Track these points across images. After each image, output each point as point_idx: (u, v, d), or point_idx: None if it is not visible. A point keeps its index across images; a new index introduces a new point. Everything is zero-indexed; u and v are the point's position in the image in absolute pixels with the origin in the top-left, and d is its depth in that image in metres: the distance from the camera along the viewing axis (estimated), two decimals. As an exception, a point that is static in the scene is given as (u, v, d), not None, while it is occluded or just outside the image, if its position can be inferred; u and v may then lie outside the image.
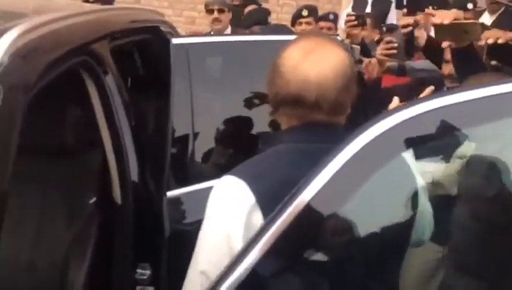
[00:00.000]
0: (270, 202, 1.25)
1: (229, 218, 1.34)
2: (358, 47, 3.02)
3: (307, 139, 1.38)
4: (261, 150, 1.46)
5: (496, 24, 2.93)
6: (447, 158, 2.15)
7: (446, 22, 2.18)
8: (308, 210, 1.19)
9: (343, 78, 1.37)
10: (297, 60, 1.37)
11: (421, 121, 1.26)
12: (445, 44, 2.32)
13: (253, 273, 1.18)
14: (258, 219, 1.31)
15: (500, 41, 2.25)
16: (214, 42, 2.39)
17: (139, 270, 1.97)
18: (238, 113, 2.34)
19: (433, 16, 2.30)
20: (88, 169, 2.00)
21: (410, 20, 2.75)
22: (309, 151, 1.32)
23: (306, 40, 1.43)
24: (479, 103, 1.27)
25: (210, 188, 2.14)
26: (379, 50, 2.84)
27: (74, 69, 1.73)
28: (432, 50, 2.78)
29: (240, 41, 2.47)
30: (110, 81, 1.85)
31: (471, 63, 2.26)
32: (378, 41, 3.16)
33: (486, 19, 4.02)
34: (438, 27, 2.22)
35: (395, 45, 2.77)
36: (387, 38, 2.84)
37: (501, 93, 1.24)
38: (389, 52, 2.80)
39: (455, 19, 2.23)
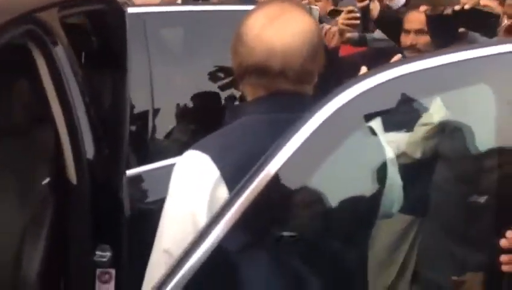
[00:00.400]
0: (235, 175, 1.21)
1: (192, 194, 1.28)
2: (317, 7, 2.94)
3: (273, 109, 1.33)
4: (227, 123, 1.39)
5: None
6: (410, 127, 2.15)
7: None
8: (274, 182, 1.14)
9: (310, 46, 1.32)
10: (261, 27, 1.31)
11: (384, 90, 1.22)
12: (422, 8, 2.32)
13: (219, 250, 1.14)
14: (223, 194, 1.26)
15: (466, 6, 2.22)
16: (174, 12, 2.28)
17: (98, 253, 1.88)
18: (200, 86, 2.26)
19: None
20: (40, 148, 1.89)
21: None
22: (276, 121, 1.27)
23: (270, 6, 1.36)
24: (439, 70, 1.23)
25: (172, 166, 2.06)
26: (341, 20, 2.79)
27: (20, 40, 1.61)
28: (386, 22, 2.77)
29: (202, 11, 2.36)
30: (60, 52, 1.74)
31: (447, 30, 2.23)
32: (330, 13, 3.10)
33: None
34: None
35: (357, 15, 2.72)
36: (350, 7, 2.78)
37: (461, 61, 1.20)
38: (351, 22, 2.75)
39: None
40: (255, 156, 1.17)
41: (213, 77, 2.26)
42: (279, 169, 1.15)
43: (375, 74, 1.22)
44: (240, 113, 1.38)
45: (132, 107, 2.09)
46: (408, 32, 2.63)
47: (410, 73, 1.23)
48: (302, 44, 1.30)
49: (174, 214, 1.31)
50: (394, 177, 1.40)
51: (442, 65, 1.22)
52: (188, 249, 1.14)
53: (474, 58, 1.22)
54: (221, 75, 2.23)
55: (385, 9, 2.84)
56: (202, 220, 1.25)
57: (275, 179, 1.14)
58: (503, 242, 1.18)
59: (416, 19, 2.53)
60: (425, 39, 2.53)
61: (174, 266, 1.12)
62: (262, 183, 1.13)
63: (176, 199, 1.31)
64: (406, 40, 2.66)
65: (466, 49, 1.23)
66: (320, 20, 3.12)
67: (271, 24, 1.30)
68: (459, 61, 1.21)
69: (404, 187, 1.42)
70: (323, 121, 1.17)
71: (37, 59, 1.70)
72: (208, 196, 1.26)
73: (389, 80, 1.22)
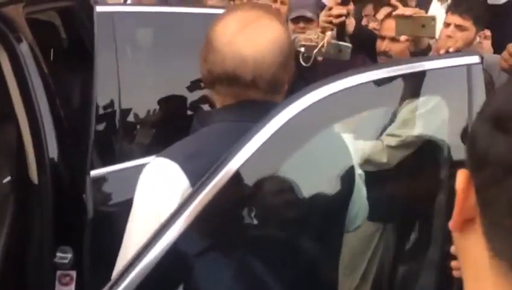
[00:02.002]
0: None
1: (161, 204, 1.24)
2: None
3: (242, 117, 1.29)
4: (195, 129, 1.37)
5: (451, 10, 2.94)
6: (376, 135, 2.17)
7: (407, 13, 2.23)
8: (232, 184, 1.12)
9: (281, 55, 1.28)
10: (232, 34, 1.27)
11: (348, 95, 1.22)
12: (403, 38, 2.35)
13: (173, 251, 1.10)
14: None
15: (451, 50, 2.26)
16: (144, 12, 2.25)
17: (59, 254, 1.85)
18: (168, 89, 2.23)
19: (397, 7, 2.35)
20: (1, 145, 1.84)
21: (343, 10, 2.73)
22: (245, 129, 1.25)
23: (241, 11, 1.33)
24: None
25: (137, 167, 2.03)
26: (322, 16, 2.79)
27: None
28: (362, 38, 2.79)
29: (172, 12, 2.34)
30: (24, 49, 1.70)
31: None
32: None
33: (437, 7, 3.99)
34: (399, 18, 2.27)
35: (339, 11, 2.71)
36: (329, 6, 2.77)
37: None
38: (330, 19, 2.75)
39: (415, 13, 2.28)
40: None
41: (181, 79, 2.23)
42: (237, 170, 1.13)
43: (338, 79, 1.22)
44: (208, 120, 1.36)
45: (98, 106, 2.05)
46: (383, 38, 2.67)
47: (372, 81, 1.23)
48: (273, 53, 1.26)
49: (141, 224, 1.25)
50: (360, 186, 1.39)
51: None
52: (141, 249, 1.10)
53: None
54: (192, 78, 2.20)
55: (362, 26, 2.88)
56: None
57: (233, 180, 1.12)
58: (452, 248, 1.19)
59: (392, 26, 2.55)
60: (398, 47, 2.56)
61: (127, 266, 1.09)
62: (220, 184, 1.11)
63: (144, 209, 1.26)
64: (381, 45, 2.70)
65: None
66: None
67: (242, 31, 1.26)
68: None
69: (369, 195, 1.41)
70: (284, 123, 1.16)
71: (1, 55, 1.66)
72: (177, 204, 1.21)
73: (350, 87, 1.23)
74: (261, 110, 1.29)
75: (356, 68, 1.64)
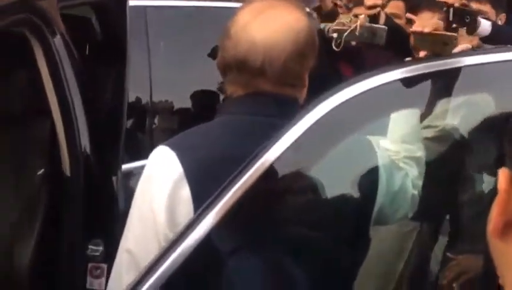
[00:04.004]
0: (200, 176, 1.16)
1: (153, 192, 1.23)
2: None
3: (249, 110, 1.25)
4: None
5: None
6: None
7: (426, 30, 2.09)
8: (262, 182, 1.11)
9: (296, 44, 1.23)
10: (247, 20, 1.25)
11: (383, 93, 1.19)
12: (422, 53, 2.22)
13: (203, 247, 1.09)
14: (185, 193, 1.19)
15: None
16: (177, 6, 2.25)
17: (91, 247, 1.86)
18: (201, 84, 2.23)
19: (414, 22, 2.17)
20: (35, 139, 1.87)
21: (377, 1, 2.65)
22: (249, 124, 1.22)
23: (260, 1, 1.30)
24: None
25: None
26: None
27: (17, 28, 1.59)
28: (391, 33, 2.72)
29: (206, 6, 2.33)
30: (58, 43, 1.72)
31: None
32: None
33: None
34: (418, 35, 2.12)
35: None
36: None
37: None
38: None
39: (435, 29, 2.13)
40: (226, 158, 1.13)
41: (216, 75, 2.22)
42: (270, 166, 1.11)
43: (376, 74, 1.19)
44: (220, 112, 1.34)
45: (130, 101, 2.06)
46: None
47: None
48: (286, 39, 1.22)
49: (136, 211, 1.25)
50: (400, 183, 1.34)
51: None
52: (170, 244, 1.09)
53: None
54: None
55: (391, 18, 2.81)
56: (161, 220, 1.19)
57: (263, 178, 1.10)
58: None
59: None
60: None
61: (151, 265, 1.08)
62: (248, 182, 1.09)
63: (139, 196, 1.26)
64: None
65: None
66: None
67: (255, 18, 1.24)
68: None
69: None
70: (315, 122, 1.13)
71: (35, 49, 1.68)
72: (166, 194, 1.19)
73: (390, 83, 1.20)
74: (270, 103, 1.24)
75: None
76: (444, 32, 2.15)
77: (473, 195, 1.80)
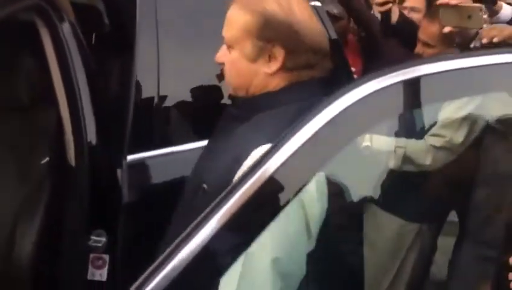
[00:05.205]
0: None
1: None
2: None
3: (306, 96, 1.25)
4: (240, 115, 1.31)
5: None
6: (420, 135, 2.10)
7: (453, 2, 2.06)
8: (271, 183, 1.07)
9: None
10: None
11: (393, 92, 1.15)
12: (446, 29, 2.19)
13: (206, 252, 1.06)
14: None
15: (495, 40, 2.10)
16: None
17: (93, 237, 1.84)
18: (211, 75, 2.20)
19: None
20: (41, 126, 1.85)
21: None
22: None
23: None
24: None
25: (173, 153, 2.00)
26: None
27: (26, 14, 1.57)
28: (404, 27, 2.69)
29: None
30: (67, 30, 1.69)
31: None
32: None
33: None
34: (443, 8, 2.10)
35: None
36: None
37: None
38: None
39: (461, 2, 2.10)
40: None
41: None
42: (279, 168, 1.08)
43: (387, 73, 1.16)
44: (283, 100, 1.28)
45: (137, 91, 2.04)
46: (418, 40, 2.58)
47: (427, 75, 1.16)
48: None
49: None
50: None
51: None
52: (173, 248, 1.06)
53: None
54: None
55: (403, 14, 2.78)
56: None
57: (273, 178, 1.07)
58: None
59: (428, 31, 2.45)
60: (431, 52, 2.46)
61: (157, 265, 1.05)
62: (259, 182, 1.06)
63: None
64: (419, 49, 2.61)
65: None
66: None
67: None
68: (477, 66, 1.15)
69: (407, 195, 1.35)
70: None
71: (43, 36, 1.66)
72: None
73: (402, 82, 1.17)
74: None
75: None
76: (468, 4, 2.12)
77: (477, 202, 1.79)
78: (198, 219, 1.07)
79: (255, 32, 1.27)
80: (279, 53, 1.27)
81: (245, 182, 1.06)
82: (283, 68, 1.28)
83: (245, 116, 1.29)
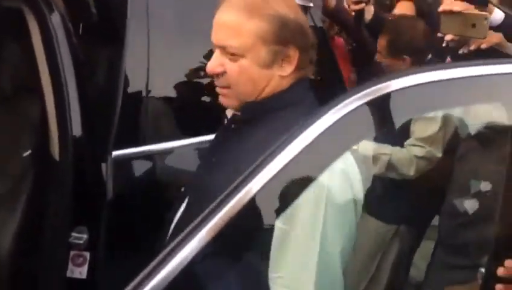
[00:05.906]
0: None
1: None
2: None
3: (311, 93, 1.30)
4: (248, 118, 1.27)
5: None
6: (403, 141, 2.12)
7: (456, 9, 1.93)
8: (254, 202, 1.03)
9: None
10: None
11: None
12: (448, 37, 2.08)
13: (187, 272, 1.01)
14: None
15: (483, 46, 2.02)
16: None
17: (74, 234, 1.79)
18: (202, 70, 2.15)
19: (442, 1, 2.02)
20: (24, 118, 1.79)
21: None
22: None
23: None
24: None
25: (162, 150, 1.95)
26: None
27: (14, 2, 1.51)
28: (377, 26, 2.67)
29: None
30: (55, 20, 1.64)
31: None
32: None
33: None
34: (446, 15, 1.96)
35: None
36: None
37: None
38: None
39: (465, 9, 1.99)
40: None
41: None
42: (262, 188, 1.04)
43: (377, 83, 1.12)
44: (272, 107, 1.26)
45: (126, 85, 1.99)
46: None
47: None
48: None
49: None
50: None
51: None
52: (160, 259, 0.99)
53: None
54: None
55: (378, 14, 2.77)
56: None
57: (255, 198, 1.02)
58: (500, 271, 1.11)
59: (380, 42, 2.47)
60: (386, 61, 2.47)
61: (145, 274, 0.99)
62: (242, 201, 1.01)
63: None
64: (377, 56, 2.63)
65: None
66: None
67: None
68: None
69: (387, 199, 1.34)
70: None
71: (30, 24, 1.60)
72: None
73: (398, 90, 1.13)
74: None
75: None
76: (473, 12, 1.98)
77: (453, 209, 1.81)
78: (179, 238, 1.01)
79: (271, 37, 1.22)
80: (294, 54, 1.25)
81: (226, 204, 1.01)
82: (297, 68, 1.26)
83: (254, 119, 1.26)
